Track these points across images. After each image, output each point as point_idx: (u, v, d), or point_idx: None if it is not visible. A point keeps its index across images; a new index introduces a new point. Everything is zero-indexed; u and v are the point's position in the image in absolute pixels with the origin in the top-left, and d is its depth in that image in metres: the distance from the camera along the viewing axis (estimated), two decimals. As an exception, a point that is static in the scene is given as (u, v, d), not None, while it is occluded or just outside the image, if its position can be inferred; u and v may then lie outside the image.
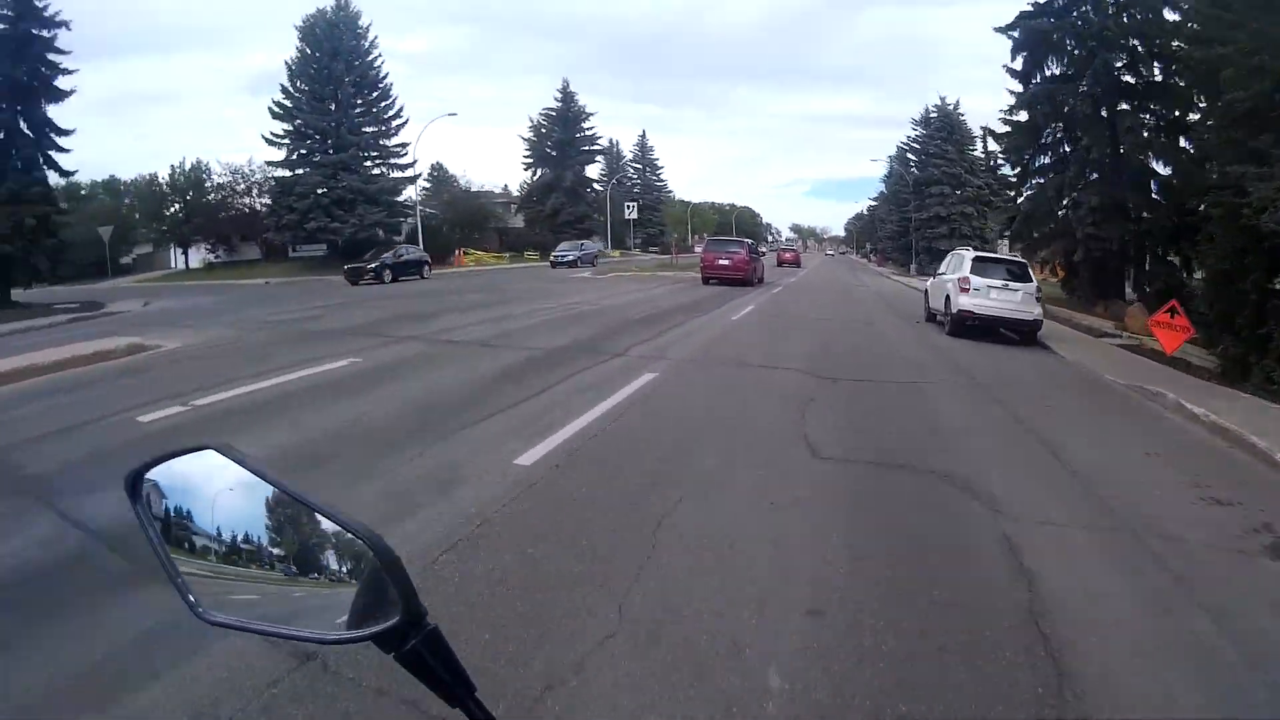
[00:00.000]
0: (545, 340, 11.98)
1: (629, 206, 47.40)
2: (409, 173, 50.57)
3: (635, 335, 12.81)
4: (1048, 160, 25.38)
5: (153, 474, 1.03)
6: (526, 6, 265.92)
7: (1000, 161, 30.18)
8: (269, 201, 48.85)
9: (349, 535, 0.94)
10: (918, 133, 60.55)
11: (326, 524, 0.96)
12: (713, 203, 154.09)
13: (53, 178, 31.14)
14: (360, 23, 49.20)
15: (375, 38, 49.41)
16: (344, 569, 0.97)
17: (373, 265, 33.25)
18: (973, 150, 55.06)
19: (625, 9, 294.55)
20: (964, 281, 14.84)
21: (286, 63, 48.16)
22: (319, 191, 45.88)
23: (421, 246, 45.73)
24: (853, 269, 62.80)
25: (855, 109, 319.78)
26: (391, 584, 0.91)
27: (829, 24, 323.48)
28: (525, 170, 71.86)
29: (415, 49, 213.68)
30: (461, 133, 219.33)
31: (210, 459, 0.99)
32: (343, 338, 12.35)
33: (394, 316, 15.73)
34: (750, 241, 35.71)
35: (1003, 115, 25.56)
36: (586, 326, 14.00)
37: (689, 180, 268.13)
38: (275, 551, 1.00)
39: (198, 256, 53.13)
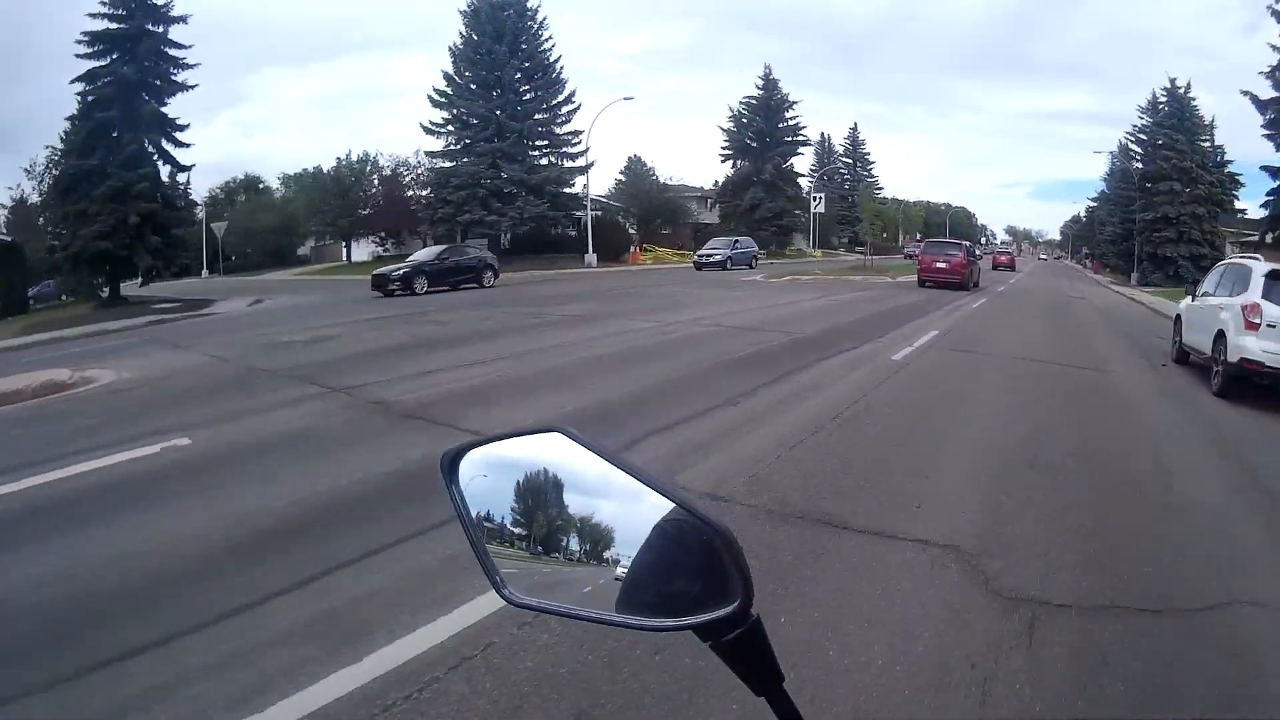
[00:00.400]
0: (549, 398, 8.31)
1: (815, 199, 42.10)
2: (580, 162, 47.62)
3: (712, 394, 8.26)
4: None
5: (487, 452, 1.04)
6: (746, 3, 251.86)
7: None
8: (428, 193, 47.41)
9: (687, 520, 0.91)
10: (1144, 122, 51.30)
11: (669, 508, 0.92)
12: (928, 201, 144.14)
13: (167, 172, 31.06)
14: (529, 3, 46.94)
15: (545, 18, 47.10)
16: (680, 556, 0.92)
17: (400, 272, 25.60)
18: (1204, 141, 47.63)
19: (845, 3, 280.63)
20: (1251, 311, 9.28)
21: (450, 47, 46.83)
22: (480, 182, 43.80)
23: (591, 243, 44.06)
24: (1068, 276, 55.77)
25: (1076, 105, 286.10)
26: (733, 571, 0.88)
27: (1047, 17, 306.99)
28: (723, 162, 68.07)
29: (637, 47, 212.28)
30: (679, 128, 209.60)
31: (555, 441, 0.97)
32: (273, 383, 9.53)
33: (395, 346, 12.34)
34: (968, 244, 34.63)
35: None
36: (653, 369, 9.90)
37: (909, 179, 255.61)
38: (609, 533, 0.96)
39: (366, 249, 53.29)
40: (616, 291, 22.97)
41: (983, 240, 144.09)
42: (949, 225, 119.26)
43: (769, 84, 66.62)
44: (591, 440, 0.95)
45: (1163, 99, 48.91)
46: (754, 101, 66.36)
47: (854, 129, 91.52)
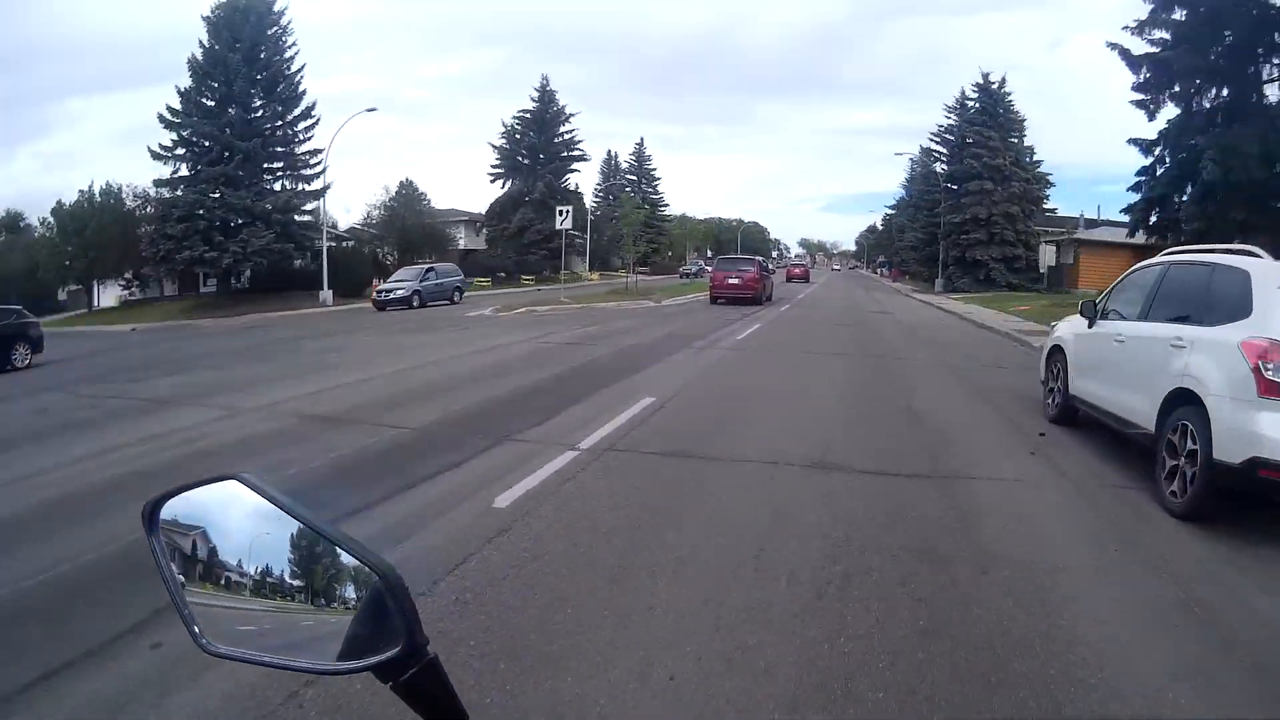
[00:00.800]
0: None
1: (561, 213, 36.11)
2: (317, 185, 40.44)
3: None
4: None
5: (173, 504, 1.04)
6: (551, 31, 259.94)
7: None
8: (152, 228, 38.66)
9: (360, 564, 0.96)
10: (951, 120, 49.73)
11: (341, 554, 0.97)
12: (719, 218, 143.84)
13: None
14: (276, 5, 39.85)
15: (289, 22, 40.24)
16: (354, 598, 0.98)
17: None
18: (1015, 139, 45.90)
19: (648, 29, 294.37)
20: (1270, 356, 4.58)
21: (189, 59, 38.86)
22: (199, 212, 36.29)
23: (327, 278, 37.50)
24: (866, 285, 54.25)
25: (874, 122, 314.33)
26: (396, 613, 0.92)
27: (849, 38, 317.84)
28: (493, 182, 61.07)
29: (449, 71, 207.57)
30: (479, 155, 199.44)
31: (232, 489, 1.00)
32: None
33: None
34: (760, 259, 35.51)
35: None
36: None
37: (708, 199, 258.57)
38: (290, 582, 1.01)
39: (112, 293, 45.37)
40: (264, 348, 17.34)
41: (775, 254, 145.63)
42: (739, 241, 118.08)
43: (545, 96, 61.26)
44: (267, 488, 0.98)
45: (973, 96, 46.95)
46: (528, 115, 60.79)
47: (640, 144, 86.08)
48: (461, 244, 61.78)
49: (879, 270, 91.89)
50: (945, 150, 50.35)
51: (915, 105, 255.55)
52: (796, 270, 64.42)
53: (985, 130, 43.64)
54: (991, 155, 42.45)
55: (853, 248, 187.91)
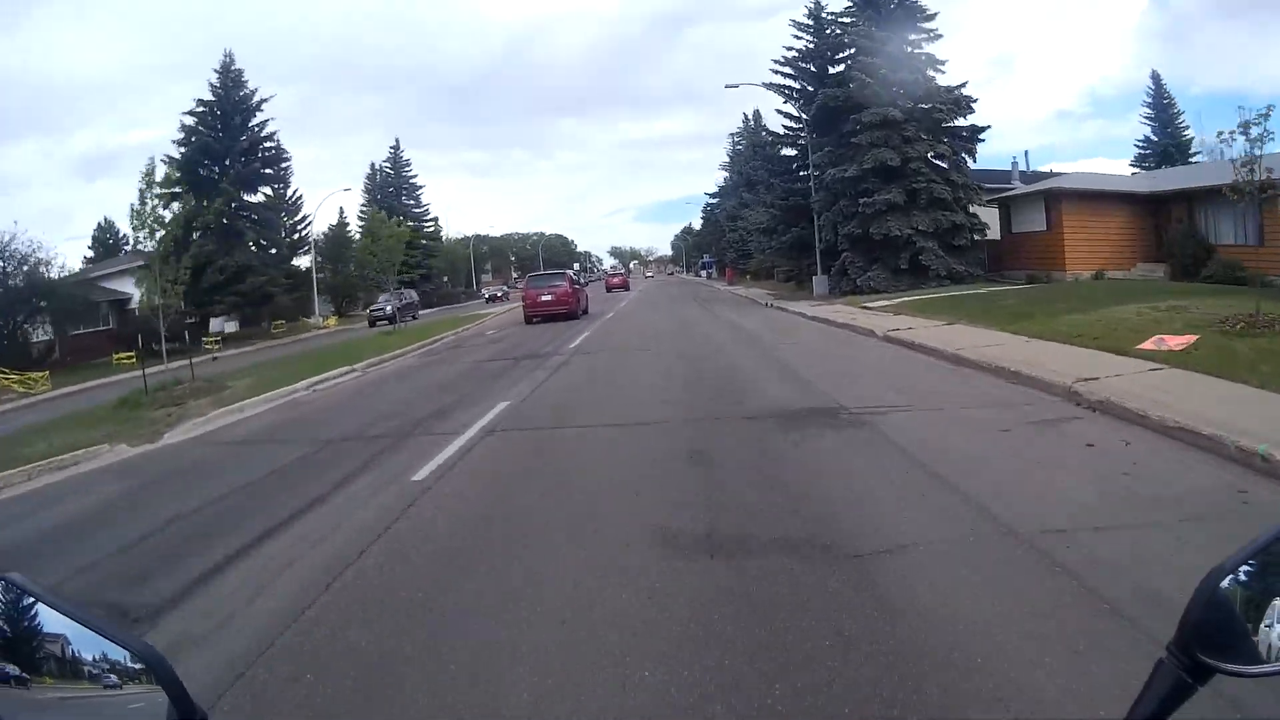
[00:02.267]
0: None
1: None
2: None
3: None
4: None
5: None
6: (347, 62, 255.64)
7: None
8: None
9: (128, 650, 1.02)
10: (804, 41, 33.50)
11: (107, 642, 1.04)
12: (515, 234, 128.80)
13: None
14: None
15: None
16: (129, 680, 1.04)
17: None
18: (926, 39, 29.10)
19: (446, 54, 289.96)
20: None
21: None
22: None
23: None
24: (696, 296, 39.65)
25: (676, 130, 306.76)
26: (163, 689, 0.99)
27: (646, 50, 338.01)
28: (164, 209, 39.35)
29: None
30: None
31: (6, 589, 1.04)
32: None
33: None
34: (571, 272, 37.11)
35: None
36: None
37: (516, 221, 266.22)
38: (72, 675, 1.05)
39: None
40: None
41: (577, 266, 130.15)
42: (540, 256, 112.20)
43: (228, 79, 43.42)
44: (33, 586, 1.03)
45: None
46: (204, 110, 42.80)
47: (395, 147, 70.19)
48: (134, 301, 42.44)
49: (703, 273, 77.92)
50: (799, 87, 33.46)
51: (716, 110, 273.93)
52: (615, 280, 64.00)
53: (872, 29, 27.51)
54: (892, 66, 26.32)
55: (669, 252, 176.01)
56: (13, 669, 1.02)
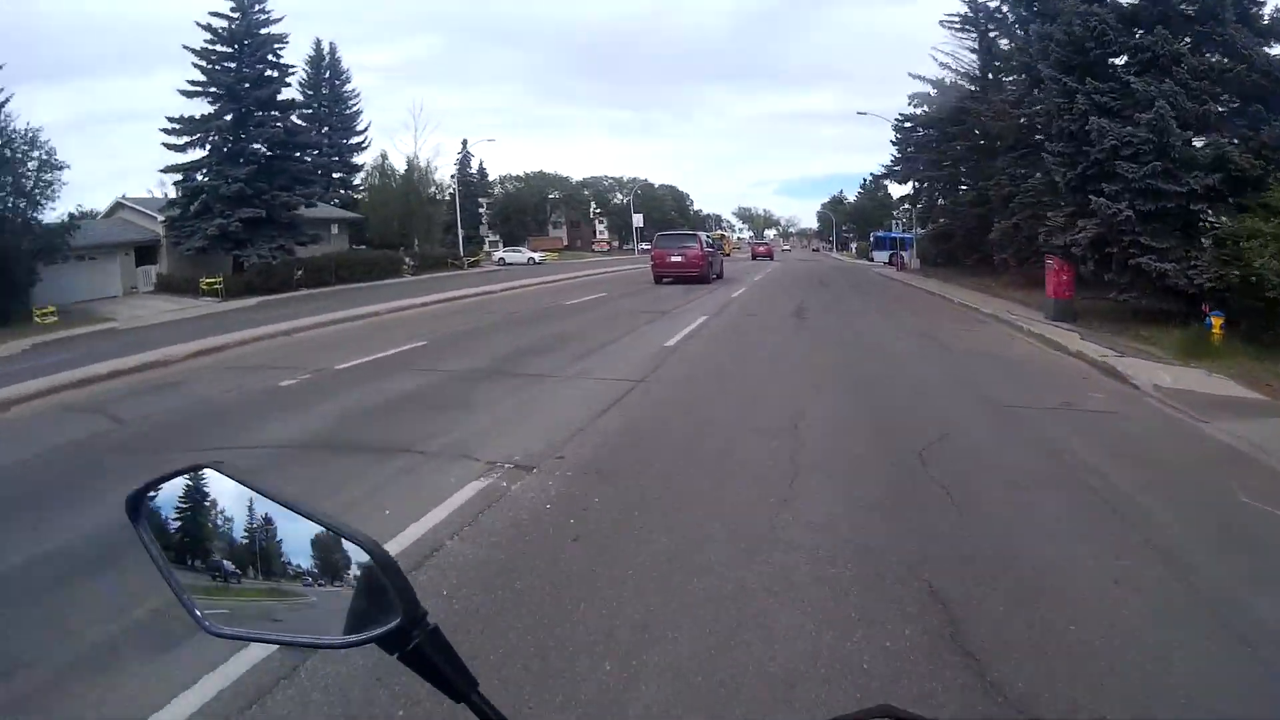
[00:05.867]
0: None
1: None
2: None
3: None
4: None
5: (154, 495, 1.10)
6: (492, 14, 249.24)
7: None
8: None
9: (349, 541, 1.01)
10: None
11: (325, 533, 1.03)
12: (607, 177, 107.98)
13: None
14: None
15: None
16: (346, 575, 1.02)
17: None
18: None
19: (592, 14, 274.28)
20: None
21: None
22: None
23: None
24: (858, 289, 31.49)
25: (819, 106, 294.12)
26: (390, 586, 0.97)
27: (794, 23, 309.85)
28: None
29: (385, 60, 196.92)
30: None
31: (208, 477, 1.08)
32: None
33: None
34: (706, 235, 38.76)
35: None
36: None
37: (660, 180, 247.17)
38: (278, 562, 1.06)
39: None
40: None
41: (718, 233, 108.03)
42: (632, 209, 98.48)
43: None
44: (241, 474, 1.06)
45: None
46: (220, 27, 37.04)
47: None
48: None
49: (876, 256, 54.74)
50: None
51: (858, 88, 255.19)
52: (761, 249, 79.40)
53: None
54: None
55: (813, 225, 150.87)
56: (227, 564, 1.06)
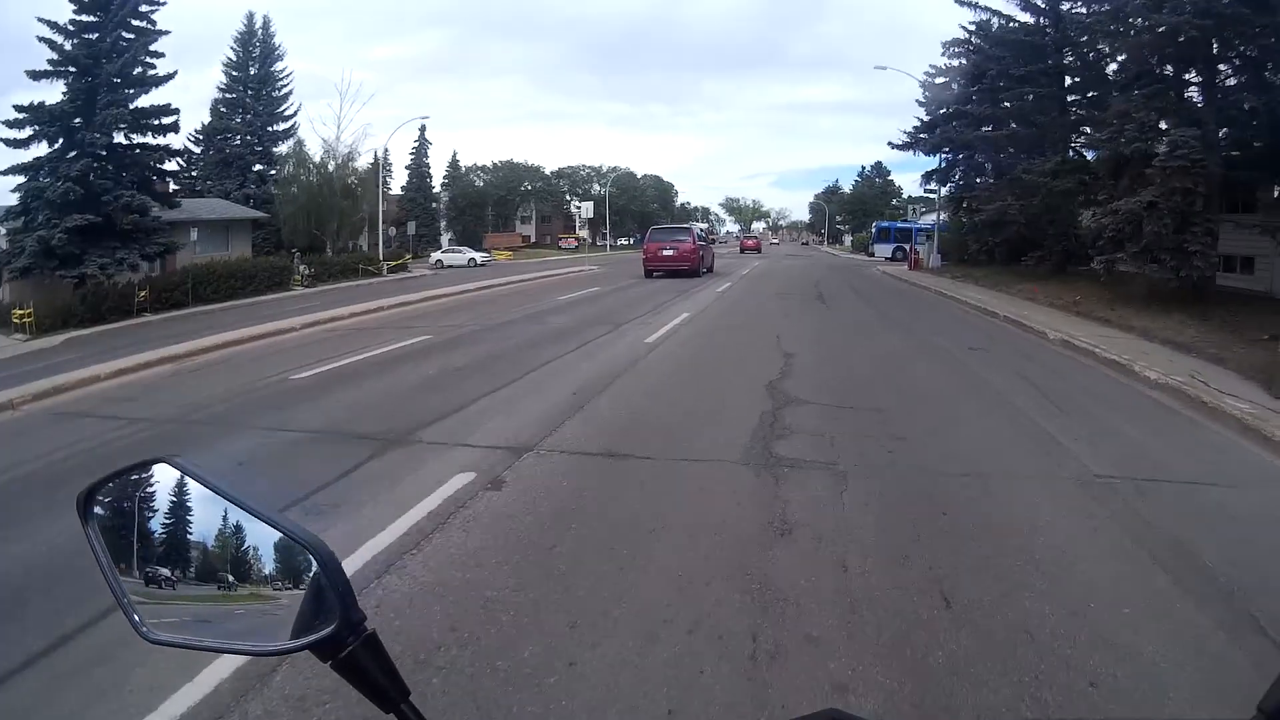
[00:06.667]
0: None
1: None
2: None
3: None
4: None
5: (105, 491, 1.13)
6: (495, 9, 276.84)
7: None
8: None
9: (292, 541, 1.05)
10: None
11: (274, 532, 1.06)
12: (585, 166, 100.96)
13: None
14: None
15: None
16: (291, 577, 1.05)
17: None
18: None
19: (595, 9, 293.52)
20: None
21: None
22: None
23: None
24: (877, 309, 21.21)
25: (822, 97, 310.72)
26: (330, 589, 1.00)
27: (794, 14, 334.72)
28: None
29: (387, 55, 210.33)
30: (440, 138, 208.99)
31: (162, 472, 1.09)
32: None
33: None
34: (698, 227, 41.06)
35: None
36: None
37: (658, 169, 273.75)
38: (224, 563, 1.09)
39: None
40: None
41: (704, 226, 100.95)
42: (607, 204, 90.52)
43: None
44: (196, 469, 1.06)
45: None
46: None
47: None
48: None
49: (878, 249, 47.61)
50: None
51: (862, 79, 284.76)
52: (749, 242, 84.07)
53: None
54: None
55: (805, 218, 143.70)
56: (164, 571, 1.08)
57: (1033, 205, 26.86)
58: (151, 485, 1.05)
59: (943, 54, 34.81)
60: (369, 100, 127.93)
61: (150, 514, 1.05)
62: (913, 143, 38.11)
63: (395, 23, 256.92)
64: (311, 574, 0.98)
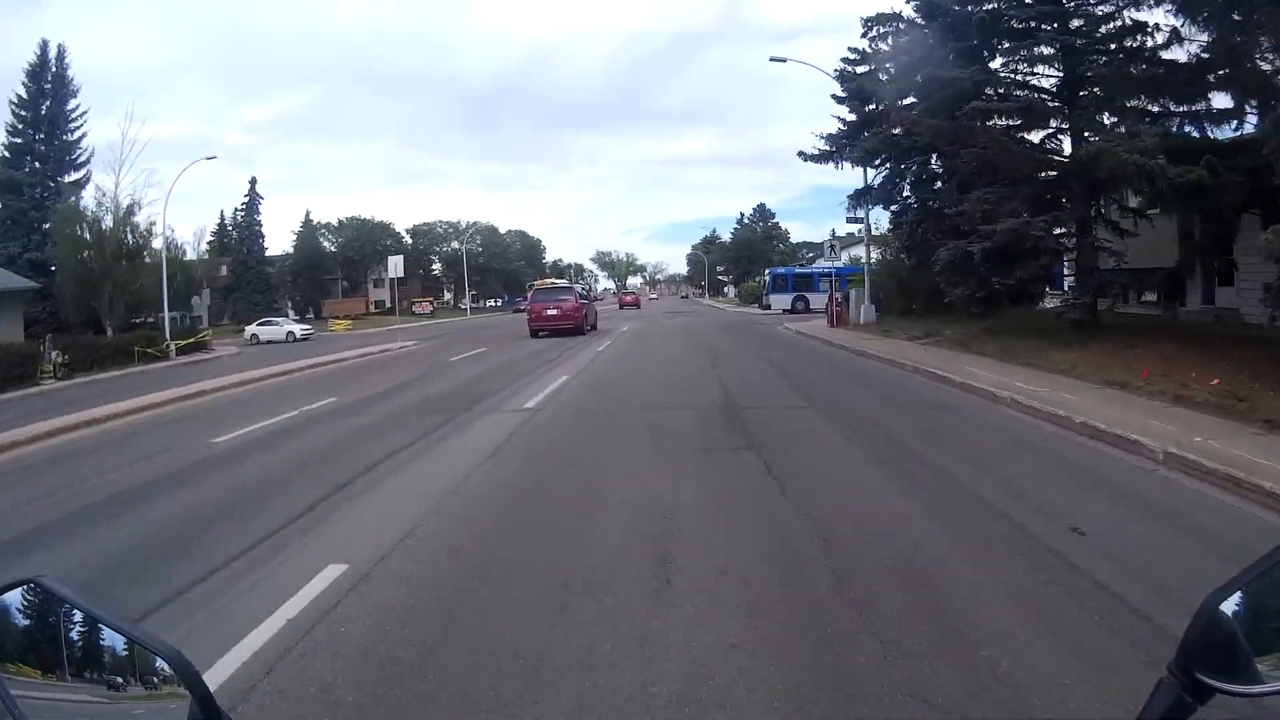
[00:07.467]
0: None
1: None
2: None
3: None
4: None
5: None
6: (368, 66, 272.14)
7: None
8: None
9: (154, 654, 1.13)
10: None
11: (141, 650, 1.13)
12: (441, 222, 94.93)
13: None
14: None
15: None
16: (168, 689, 1.11)
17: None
18: None
19: (463, 65, 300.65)
20: None
21: None
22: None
23: None
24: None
25: (695, 150, 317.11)
26: (192, 696, 1.07)
27: (666, 68, 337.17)
28: None
29: (263, 116, 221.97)
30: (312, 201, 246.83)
31: (38, 589, 1.13)
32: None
33: None
34: (580, 287, 45.10)
35: None
36: None
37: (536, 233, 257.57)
38: (101, 677, 1.13)
39: None
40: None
41: (584, 286, 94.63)
42: (464, 262, 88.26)
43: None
44: (63, 589, 1.10)
45: None
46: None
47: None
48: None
49: (774, 300, 42.65)
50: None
51: (733, 131, 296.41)
52: (628, 299, 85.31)
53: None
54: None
55: (683, 270, 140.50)
56: (35, 678, 1.13)
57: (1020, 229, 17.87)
58: (29, 602, 1.10)
59: (864, 34, 28.32)
60: (153, 150, 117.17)
61: (34, 626, 1.10)
62: (834, 151, 31.02)
63: (268, 82, 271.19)
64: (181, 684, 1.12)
